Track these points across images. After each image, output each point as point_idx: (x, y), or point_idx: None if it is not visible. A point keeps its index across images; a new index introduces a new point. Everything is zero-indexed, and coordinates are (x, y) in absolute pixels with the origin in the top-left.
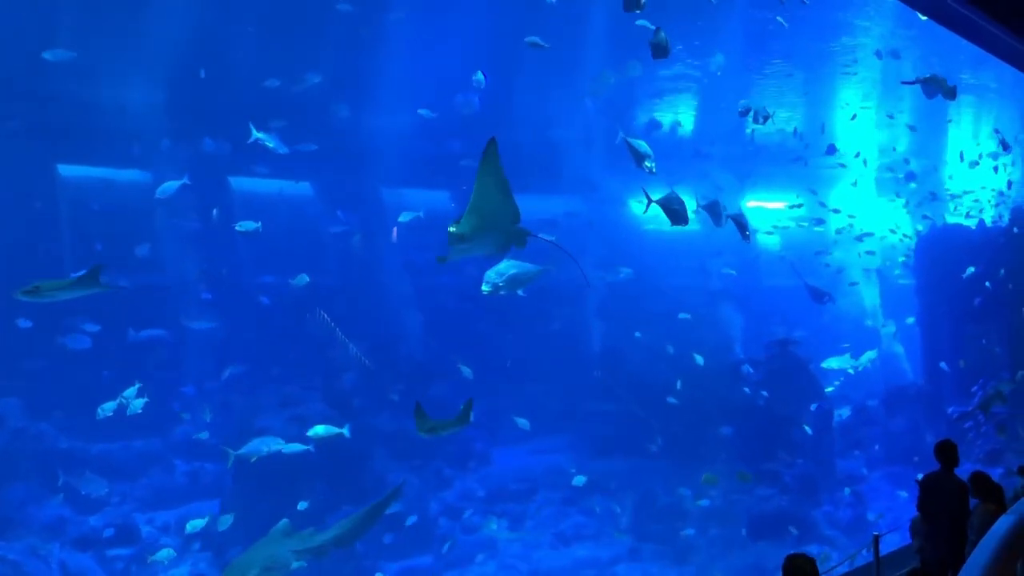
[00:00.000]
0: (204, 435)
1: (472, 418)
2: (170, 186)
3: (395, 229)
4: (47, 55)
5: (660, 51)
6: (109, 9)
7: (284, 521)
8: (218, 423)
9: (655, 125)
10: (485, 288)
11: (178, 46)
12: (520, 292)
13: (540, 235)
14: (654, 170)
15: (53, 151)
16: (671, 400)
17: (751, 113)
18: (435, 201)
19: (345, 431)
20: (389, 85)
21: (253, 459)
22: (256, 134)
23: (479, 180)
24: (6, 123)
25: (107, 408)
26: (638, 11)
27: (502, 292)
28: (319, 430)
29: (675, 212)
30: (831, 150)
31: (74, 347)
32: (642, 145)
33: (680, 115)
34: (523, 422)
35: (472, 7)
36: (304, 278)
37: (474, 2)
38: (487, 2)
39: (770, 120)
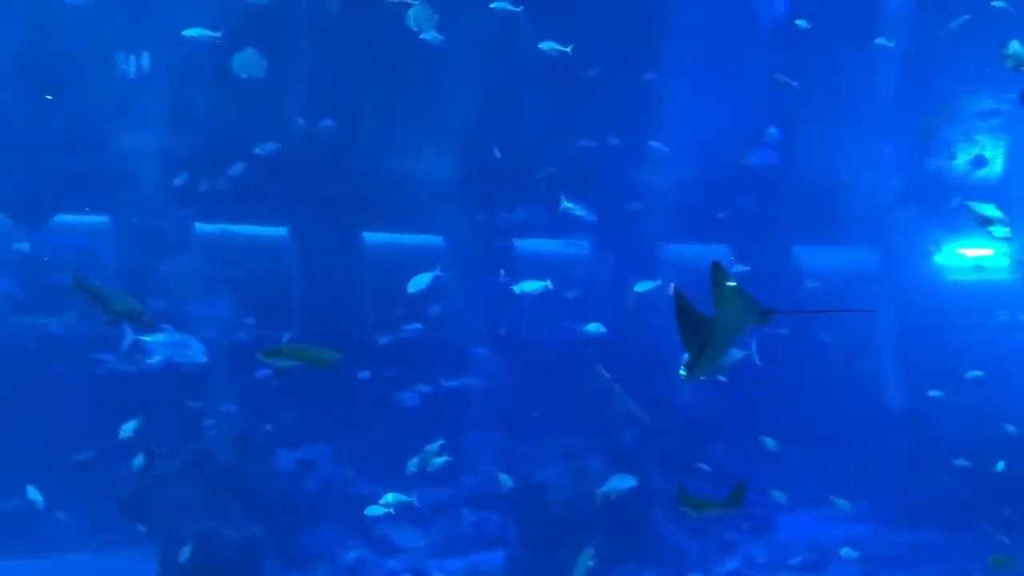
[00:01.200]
0: (500, 485)
1: (742, 502)
2: (423, 278)
3: (672, 284)
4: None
5: None
6: (407, 87)
7: None
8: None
9: (980, 162)
10: (683, 373)
11: (466, 118)
12: (721, 377)
13: (788, 310)
14: (1009, 235)
15: (359, 219)
16: (984, 468)
17: None
18: (714, 256)
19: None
20: (667, 139)
21: (613, 496)
22: (566, 203)
23: (717, 316)
24: (319, 196)
25: (414, 463)
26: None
27: (702, 377)
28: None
29: None
30: None
31: (407, 405)
32: (988, 208)
33: (989, 155)
34: (843, 503)
35: (749, 52)
36: (599, 327)
37: (752, 47)
38: (766, 47)
39: None
